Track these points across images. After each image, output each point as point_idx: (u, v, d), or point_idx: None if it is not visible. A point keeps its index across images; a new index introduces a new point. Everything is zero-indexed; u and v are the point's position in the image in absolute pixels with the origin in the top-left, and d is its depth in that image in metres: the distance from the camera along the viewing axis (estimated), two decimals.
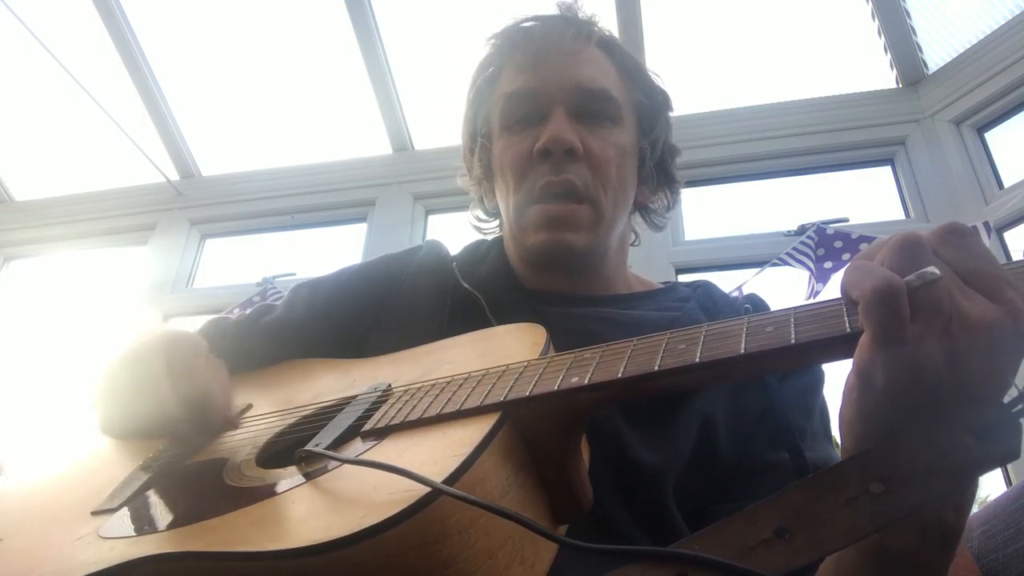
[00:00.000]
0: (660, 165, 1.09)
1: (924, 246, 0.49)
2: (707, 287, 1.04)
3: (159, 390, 0.76)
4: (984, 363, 0.47)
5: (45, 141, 3.57)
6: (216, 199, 3.35)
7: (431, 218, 3.10)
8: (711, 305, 0.99)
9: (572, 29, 1.01)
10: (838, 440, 0.58)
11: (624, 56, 1.05)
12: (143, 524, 0.64)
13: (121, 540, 0.62)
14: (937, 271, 0.47)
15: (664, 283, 1.10)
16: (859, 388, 0.51)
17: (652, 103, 1.06)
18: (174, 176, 3.37)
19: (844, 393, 0.53)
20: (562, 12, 1.05)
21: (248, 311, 1.10)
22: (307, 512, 0.55)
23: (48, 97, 3.30)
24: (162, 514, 0.66)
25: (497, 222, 1.15)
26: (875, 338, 0.47)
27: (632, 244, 1.13)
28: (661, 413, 0.83)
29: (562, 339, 0.75)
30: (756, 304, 1.00)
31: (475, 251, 1.09)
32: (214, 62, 3.29)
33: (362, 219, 3.19)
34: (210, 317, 1.12)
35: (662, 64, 2.88)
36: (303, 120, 3.37)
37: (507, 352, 0.72)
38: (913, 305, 0.47)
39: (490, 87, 1.06)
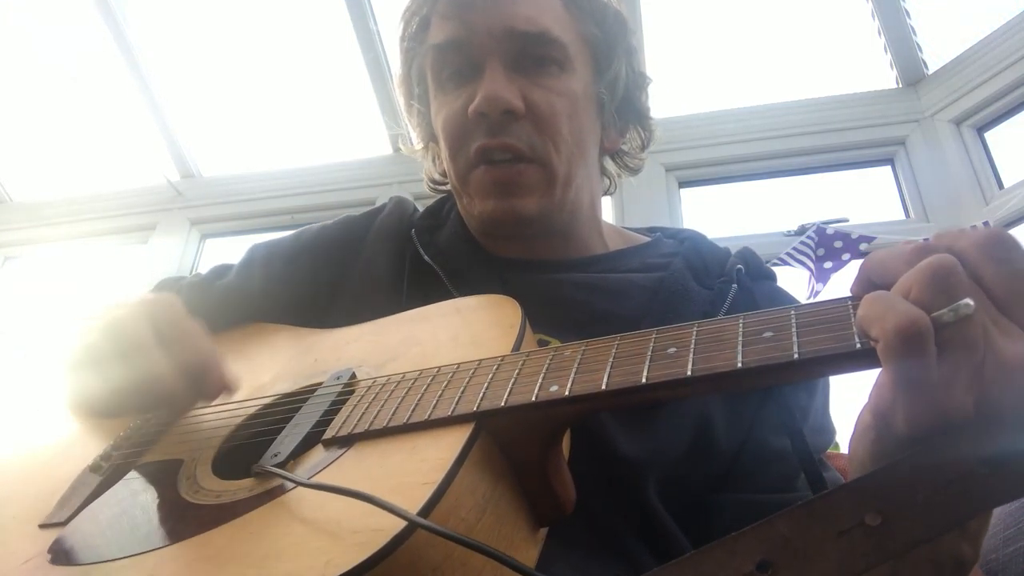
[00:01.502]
0: (625, 102, 0.96)
1: (959, 275, 0.42)
2: (695, 241, 0.95)
3: (151, 359, 0.69)
4: (1015, 404, 0.40)
5: (45, 141, 3.56)
6: (216, 199, 3.34)
7: None
8: (700, 265, 0.91)
9: None
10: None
11: None
12: (94, 550, 0.60)
13: (72, 569, 0.58)
14: (972, 303, 0.40)
15: (649, 231, 1.01)
16: (876, 430, 0.46)
17: (606, 33, 0.92)
18: (174, 176, 3.36)
19: (857, 429, 0.49)
20: None
21: (203, 272, 1.03)
22: (265, 548, 0.50)
23: (48, 97, 3.29)
24: (115, 536, 0.61)
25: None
26: (896, 383, 0.42)
27: (608, 192, 1.03)
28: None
29: (537, 309, 0.70)
30: (748, 262, 0.92)
31: (436, 213, 0.99)
32: (214, 62, 3.28)
33: None
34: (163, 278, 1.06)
35: (662, 64, 2.90)
36: (303, 120, 3.36)
37: (480, 334, 0.68)
38: (941, 342, 0.41)
39: (421, 35, 0.93)
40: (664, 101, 3.02)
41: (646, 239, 0.99)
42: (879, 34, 2.77)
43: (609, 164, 1.02)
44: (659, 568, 0.46)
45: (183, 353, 0.71)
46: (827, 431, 0.86)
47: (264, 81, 3.30)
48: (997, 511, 0.94)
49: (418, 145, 1.03)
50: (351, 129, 3.33)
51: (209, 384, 0.73)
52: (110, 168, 3.46)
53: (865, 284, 0.49)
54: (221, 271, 1.01)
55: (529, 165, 0.84)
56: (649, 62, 2.87)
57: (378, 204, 1.00)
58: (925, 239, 0.48)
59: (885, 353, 0.42)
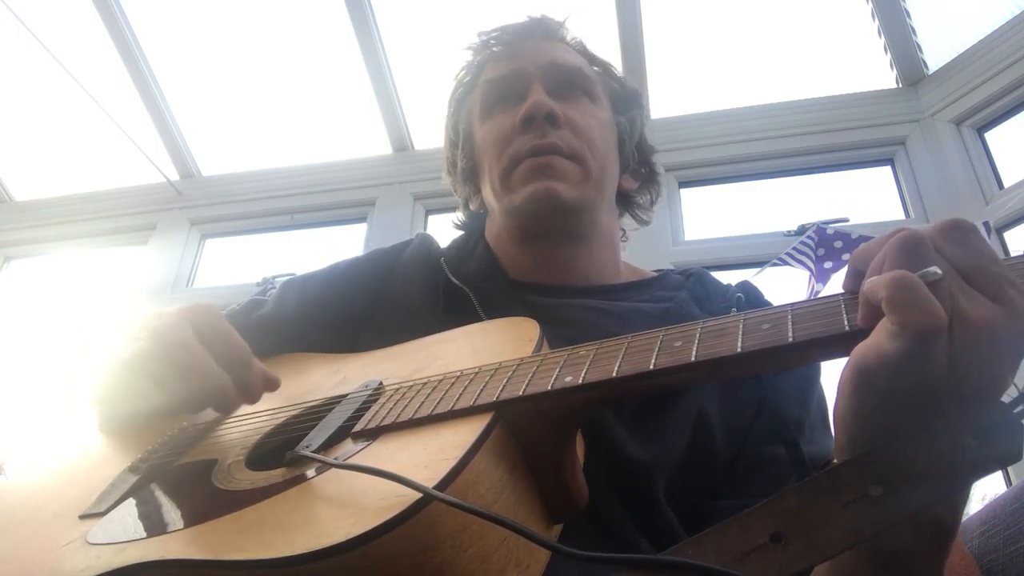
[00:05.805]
0: (640, 154, 1.12)
1: (926, 244, 0.48)
2: (700, 275, 1.03)
3: (194, 355, 0.73)
4: (983, 363, 0.46)
5: (45, 141, 3.57)
6: (216, 199, 3.35)
7: (431, 218, 3.10)
8: (703, 294, 0.99)
9: (543, 27, 1.10)
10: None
11: (593, 56, 1.12)
12: (130, 529, 0.63)
13: (108, 547, 0.61)
14: (939, 270, 0.46)
15: (657, 271, 1.10)
16: (856, 386, 0.50)
17: (624, 91, 1.12)
18: (174, 176, 3.36)
19: (839, 390, 0.53)
20: (532, 20, 1.11)
21: (239, 305, 1.08)
22: (297, 518, 0.54)
23: (48, 97, 3.30)
24: (150, 519, 0.65)
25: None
26: (902, 333, 0.46)
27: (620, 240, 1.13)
28: (652, 409, 0.83)
29: (553, 329, 0.74)
30: (748, 292, 0.99)
31: (463, 246, 1.09)
32: (214, 62, 3.29)
33: (362, 219, 3.19)
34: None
35: (662, 64, 2.90)
36: (303, 120, 3.36)
37: (500, 348, 0.72)
38: None
39: (471, 84, 1.11)
40: (664, 101, 3.03)
41: (655, 274, 1.09)
42: (879, 34, 2.77)
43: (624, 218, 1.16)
44: (681, 543, 0.49)
45: (223, 348, 0.75)
46: (825, 445, 0.88)
47: (264, 81, 3.31)
48: (997, 511, 0.94)
49: (458, 182, 1.14)
50: (351, 129, 3.34)
51: (252, 378, 0.76)
52: (110, 168, 3.46)
53: (854, 275, 0.54)
54: (256, 304, 1.07)
55: (568, 160, 0.97)
56: (649, 62, 2.87)
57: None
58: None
59: (890, 303, 0.46)
